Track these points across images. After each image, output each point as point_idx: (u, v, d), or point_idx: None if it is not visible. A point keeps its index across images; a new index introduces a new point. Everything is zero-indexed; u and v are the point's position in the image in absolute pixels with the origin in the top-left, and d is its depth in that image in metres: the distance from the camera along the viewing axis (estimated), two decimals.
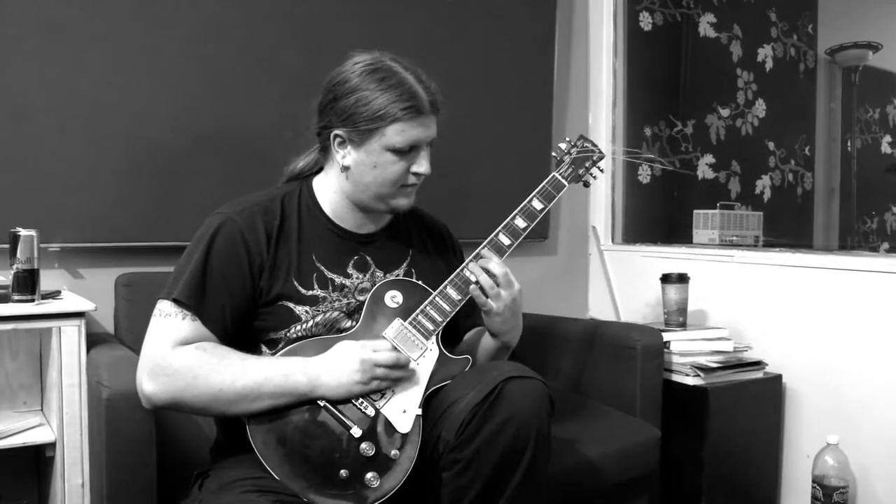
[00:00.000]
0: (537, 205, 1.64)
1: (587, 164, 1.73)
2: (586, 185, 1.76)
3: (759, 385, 2.50)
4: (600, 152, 1.76)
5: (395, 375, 1.45)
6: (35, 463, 2.09)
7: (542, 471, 1.44)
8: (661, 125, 3.37)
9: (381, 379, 1.44)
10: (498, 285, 1.54)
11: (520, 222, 1.61)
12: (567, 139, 1.76)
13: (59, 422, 1.79)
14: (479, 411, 1.37)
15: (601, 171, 1.77)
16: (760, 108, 3.77)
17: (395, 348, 1.48)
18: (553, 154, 1.75)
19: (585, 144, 1.75)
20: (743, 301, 2.69)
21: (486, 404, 1.37)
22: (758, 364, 2.51)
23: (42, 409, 2.08)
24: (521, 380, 1.41)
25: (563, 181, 1.69)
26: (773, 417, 2.54)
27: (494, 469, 1.38)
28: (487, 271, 1.55)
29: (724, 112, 3.64)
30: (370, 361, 1.42)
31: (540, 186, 1.66)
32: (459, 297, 1.55)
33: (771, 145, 3.85)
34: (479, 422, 1.37)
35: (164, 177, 2.23)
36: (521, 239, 1.61)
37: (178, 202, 2.23)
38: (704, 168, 3.52)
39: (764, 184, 3.80)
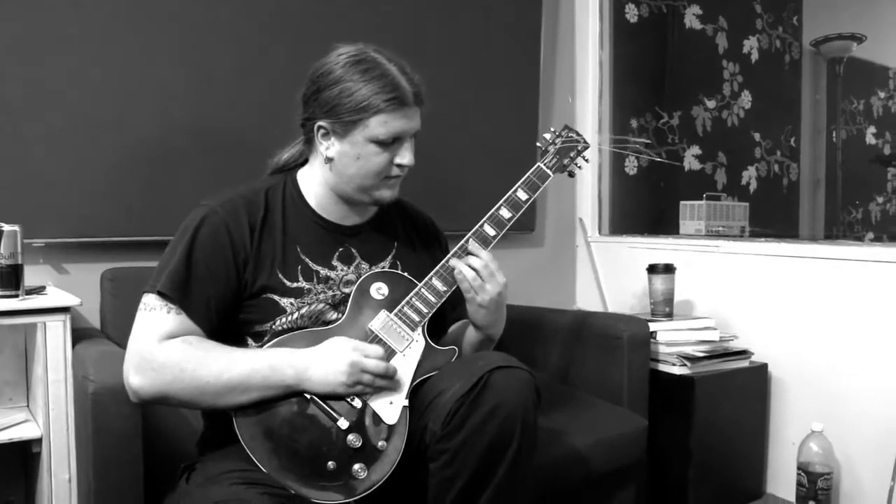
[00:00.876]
0: (522, 195, 1.63)
1: (572, 154, 1.73)
2: (571, 174, 1.75)
3: (744, 374, 2.51)
4: (585, 142, 1.75)
5: (381, 384, 1.44)
6: (22, 459, 2.08)
7: (529, 461, 1.43)
8: (647, 117, 3.38)
9: (367, 385, 1.43)
10: (482, 278, 1.53)
11: (504, 213, 1.61)
12: (552, 129, 1.75)
13: (46, 417, 1.78)
14: (466, 402, 1.37)
15: (586, 160, 1.77)
16: (746, 99, 3.78)
17: (383, 346, 1.48)
18: (538, 144, 1.74)
19: (570, 134, 1.74)
20: (729, 291, 2.70)
21: (472, 395, 1.37)
22: (743, 353, 2.52)
23: (28, 406, 2.07)
24: (508, 370, 1.41)
25: (548, 171, 1.68)
26: (758, 406, 2.55)
27: (481, 459, 1.38)
28: (472, 263, 1.54)
29: (710, 103, 3.65)
30: (359, 366, 1.42)
31: (524, 177, 1.65)
32: (445, 289, 1.55)
33: (757, 136, 3.87)
34: (465, 412, 1.37)
35: (148, 171, 2.21)
36: (506, 230, 1.60)
37: (163, 196, 2.22)
38: (691, 159, 3.52)
39: (750, 175, 3.81)
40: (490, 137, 2.85)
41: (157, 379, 1.39)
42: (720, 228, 3.11)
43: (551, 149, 1.71)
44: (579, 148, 1.74)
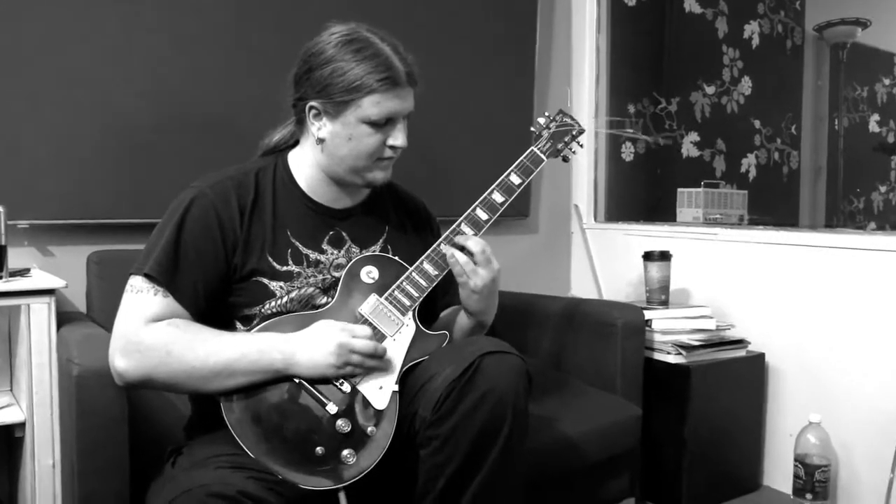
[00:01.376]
0: (515, 179, 1.65)
1: (566, 139, 1.74)
2: (565, 159, 1.77)
3: (741, 363, 2.53)
4: (580, 127, 1.77)
5: (370, 364, 1.46)
6: (5, 444, 2.09)
7: (520, 446, 1.45)
8: (644, 102, 3.39)
9: (356, 365, 1.45)
10: (477, 263, 1.55)
11: (497, 197, 1.62)
12: (546, 114, 1.77)
13: (29, 401, 1.79)
14: (456, 387, 1.39)
15: (581, 146, 1.78)
16: (746, 85, 3.79)
17: (373, 330, 1.49)
18: (532, 129, 1.75)
19: (565, 119, 1.75)
20: (726, 279, 2.71)
21: (463, 379, 1.39)
22: (740, 342, 2.54)
23: (11, 389, 2.08)
24: (499, 355, 1.42)
25: (542, 155, 1.70)
26: (755, 396, 2.57)
27: (472, 445, 1.39)
28: (467, 247, 1.56)
29: (709, 89, 3.66)
30: (347, 347, 1.43)
31: (518, 161, 1.67)
32: (436, 273, 1.56)
33: (757, 123, 3.88)
34: (455, 397, 1.39)
35: (137, 152, 2.22)
36: (498, 214, 1.61)
37: (151, 178, 2.22)
38: (689, 146, 3.54)
39: (749, 162, 3.83)
40: (484, 121, 2.86)
41: (142, 362, 1.40)
42: (718, 216, 3.13)
43: (545, 133, 1.73)
44: (574, 133, 1.75)
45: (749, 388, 2.55)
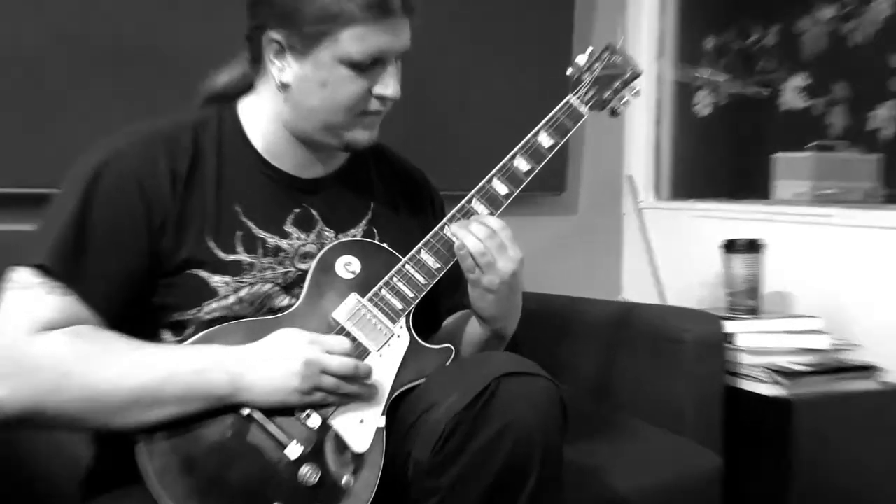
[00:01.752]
0: (545, 141, 1.69)
1: (616, 85, 1.77)
2: (614, 113, 1.81)
3: (870, 399, 2.52)
4: (635, 68, 1.80)
5: (348, 390, 1.50)
6: None
7: (552, 503, 1.48)
8: (729, 34, 3.40)
9: (329, 391, 1.48)
10: (492, 251, 1.57)
11: (521, 164, 1.67)
12: (589, 51, 1.79)
13: None
14: (464, 421, 1.41)
15: (637, 94, 1.82)
16: (881, 6, 3.79)
17: (353, 343, 1.53)
18: (569, 72, 1.77)
19: (614, 58, 1.78)
20: (846, 280, 2.71)
21: (473, 411, 1.41)
22: (867, 369, 2.55)
23: None
24: (522, 377, 1.46)
25: (582, 108, 1.73)
26: (893, 444, 2.53)
27: (484, 501, 1.43)
28: (477, 232, 1.59)
29: (826, 13, 3.66)
30: (318, 365, 1.46)
31: (550, 116, 1.70)
32: (438, 266, 1.61)
33: (894, 61, 3.88)
34: (463, 435, 1.41)
35: (23, 97, 2.25)
36: (522, 186, 1.66)
37: (43, 134, 2.26)
38: (792, 94, 3.55)
39: (882, 115, 3.83)
40: (504, 63, 2.91)
41: (27, 386, 1.41)
42: (835, 191, 3.11)
43: (587, 77, 1.76)
44: (626, 77, 1.79)
45: (883, 432, 2.51)
